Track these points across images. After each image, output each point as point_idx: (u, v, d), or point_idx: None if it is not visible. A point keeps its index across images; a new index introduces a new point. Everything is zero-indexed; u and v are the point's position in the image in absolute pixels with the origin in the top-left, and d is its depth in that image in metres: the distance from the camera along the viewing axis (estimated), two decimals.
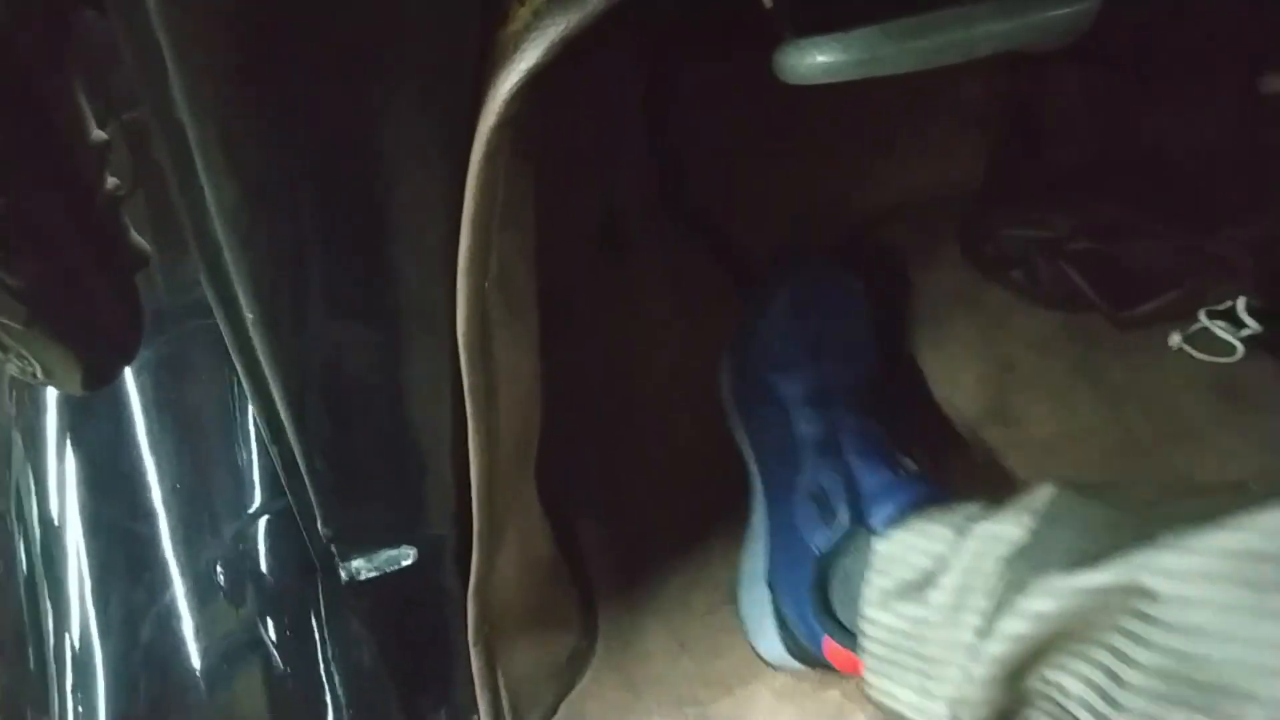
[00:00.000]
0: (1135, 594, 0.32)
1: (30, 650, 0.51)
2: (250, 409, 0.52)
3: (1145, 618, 0.31)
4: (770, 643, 0.53)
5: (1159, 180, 0.68)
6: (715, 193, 0.68)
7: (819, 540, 0.48)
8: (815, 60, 0.31)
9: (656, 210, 0.68)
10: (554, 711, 0.54)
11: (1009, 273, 0.70)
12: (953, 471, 0.62)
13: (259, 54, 0.24)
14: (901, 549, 0.43)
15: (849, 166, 0.68)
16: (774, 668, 0.56)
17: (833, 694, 0.56)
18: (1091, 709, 0.33)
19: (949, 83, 0.69)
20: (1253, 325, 0.65)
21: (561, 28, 0.24)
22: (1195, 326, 0.67)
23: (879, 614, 0.42)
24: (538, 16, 0.24)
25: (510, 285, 0.35)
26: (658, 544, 0.61)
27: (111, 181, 0.31)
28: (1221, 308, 0.67)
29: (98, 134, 0.30)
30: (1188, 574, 0.31)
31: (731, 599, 0.59)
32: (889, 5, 0.33)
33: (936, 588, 0.39)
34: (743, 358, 0.60)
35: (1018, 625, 0.35)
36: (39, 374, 0.38)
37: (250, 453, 0.52)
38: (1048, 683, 0.35)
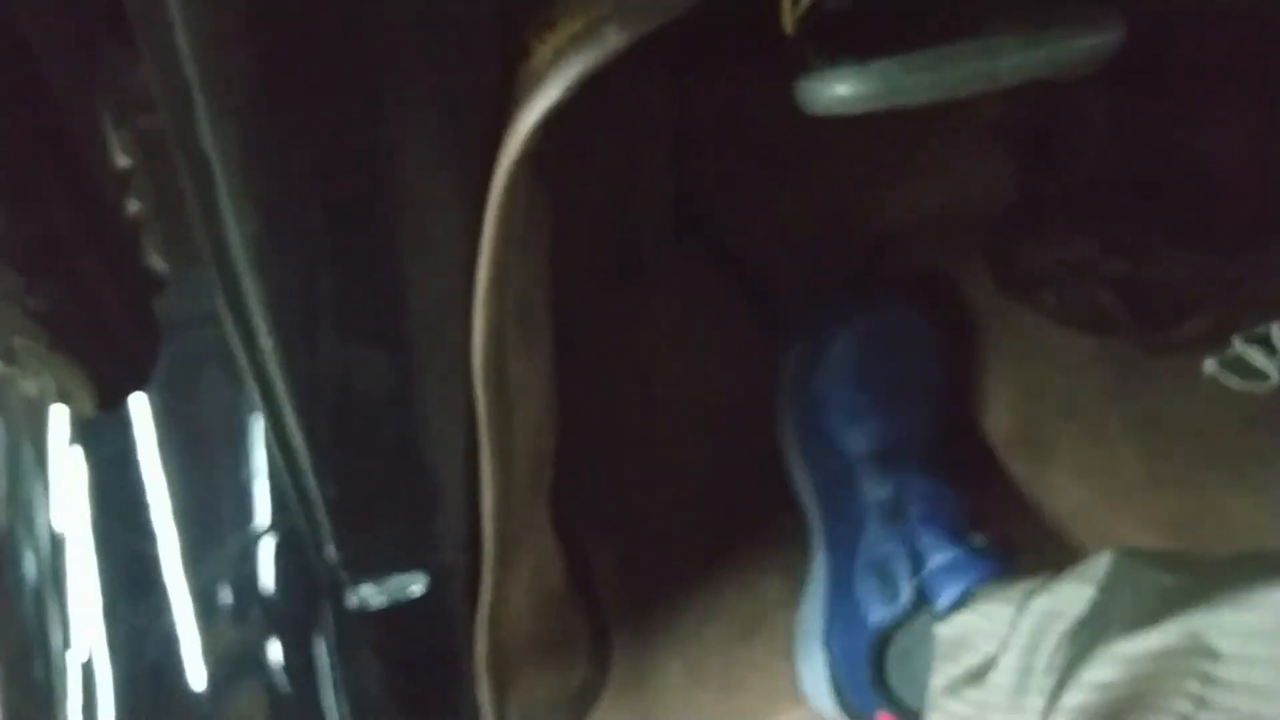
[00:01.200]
0: (1197, 654, 0.31)
1: (36, 665, 0.51)
2: (255, 429, 0.52)
3: (1207, 679, 0.31)
4: (823, 697, 0.53)
5: (1187, 201, 0.67)
6: (733, 215, 0.68)
7: (878, 615, 0.47)
8: (837, 92, 0.30)
9: (673, 233, 0.68)
10: None
11: (1038, 295, 0.68)
12: (985, 499, 0.60)
13: (284, 90, 0.24)
14: (965, 632, 0.42)
15: (871, 187, 0.68)
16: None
17: None
18: None
19: (972, 102, 0.68)
20: None
21: (582, 66, 0.24)
22: (1230, 352, 0.65)
23: (947, 701, 0.42)
24: (558, 54, 0.24)
25: (526, 310, 0.35)
26: (671, 574, 0.60)
27: (133, 205, 0.31)
28: (1257, 333, 0.65)
29: (121, 159, 0.30)
30: (1249, 632, 0.30)
31: (747, 635, 0.58)
32: (910, 32, 0.33)
33: (997, 668, 0.39)
34: (804, 401, 0.57)
35: (1080, 697, 0.34)
36: (54, 395, 0.38)
37: (254, 472, 0.52)
38: None
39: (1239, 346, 0.65)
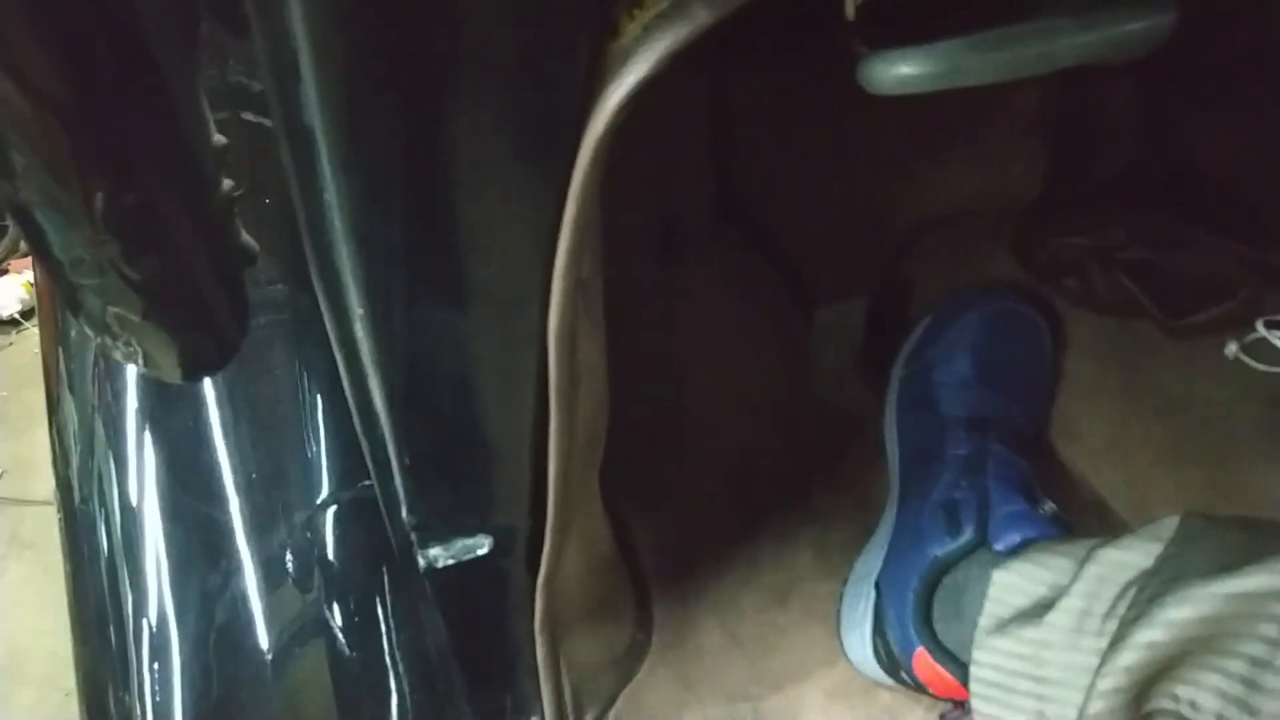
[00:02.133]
0: (1275, 599, 0.31)
1: (111, 631, 0.53)
2: (319, 401, 0.54)
3: None
4: (860, 644, 0.54)
5: (1210, 189, 0.68)
6: (771, 201, 0.69)
7: (938, 548, 0.49)
8: (901, 71, 0.32)
9: (713, 218, 0.69)
10: (612, 703, 0.55)
11: (1063, 280, 0.70)
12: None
13: (386, 63, 0.25)
14: (1019, 578, 0.43)
15: (903, 174, 0.69)
16: (855, 668, 0.57)
17: (883, 696, 0.56)
18: None
19: (1003, 91, 0.69)
20: None
21: (670, 41, 0.25)
22: (1252, 336, 0.67)
23: (995, 640, 0.42)
24: (647, 31, 0.25)
25: (591, 289, 0.37)
26: (709, 545, 0.62)
27: (227, 183, 0.33)
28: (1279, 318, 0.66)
29: (218, 138, 0.32)
30: None
31: (781, 602, 0.59)
32: (958, 20, 0.34)
33: (1056, 609, 0.39)
34: (916, 364, 0.61)
35: (1153, 634, 0.34)
36: (141, 361, 0.40)
37: (319, 443, 0.54)
38: (1178, 700, 0.35)
39: (1261, 330, 0.67)
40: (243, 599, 0.50)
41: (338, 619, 0.50)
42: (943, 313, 0.63)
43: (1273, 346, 0.66)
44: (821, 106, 0.62)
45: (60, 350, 0.57)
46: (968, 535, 0.47)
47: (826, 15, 0.35)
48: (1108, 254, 0.70)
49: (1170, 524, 0.39)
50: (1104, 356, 0.68)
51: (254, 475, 0.51)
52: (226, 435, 0.52)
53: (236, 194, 0.33)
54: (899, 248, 0.70)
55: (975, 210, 0.70)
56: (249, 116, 0.34)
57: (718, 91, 0.64)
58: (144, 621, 0.51)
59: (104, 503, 0.54)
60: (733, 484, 0.64)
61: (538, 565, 0.44)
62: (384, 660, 0.50)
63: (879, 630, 0.52)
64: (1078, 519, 0.50)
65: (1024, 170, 0.70)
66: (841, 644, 0.56)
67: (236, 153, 0.36)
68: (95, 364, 0.52)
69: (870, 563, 0.55)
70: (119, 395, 0.55)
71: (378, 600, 0.50)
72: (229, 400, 0.52)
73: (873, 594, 0.53)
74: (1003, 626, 0.42)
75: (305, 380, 0.51)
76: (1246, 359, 0.67)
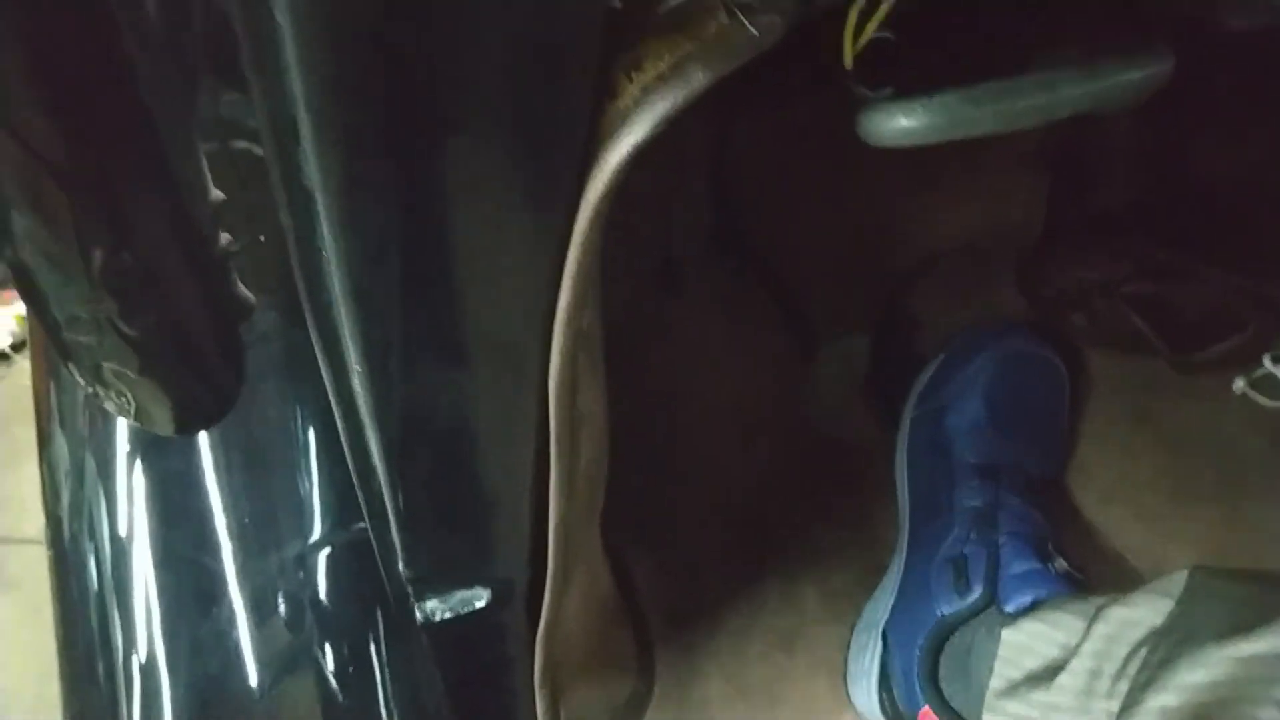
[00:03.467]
0: None
1: (101, 673, 0.52)
2: (314, 440, 0.53)
3: None
4: (865, 694, 0.53)
5: (1214, 223, 0.68)
6: (770, 236, 0.69)
7: (946, 606, 0.48)
8: (900, 124, 0.32)
9: (713, 250, 0.69)
10: None
11: (1069, 315, 0.69)
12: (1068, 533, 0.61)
13: (387, 129, 0.25)
14: (1029, 639, 0.43)
15: (904, 209, 0.69)
16: (859, 715, 0.55)
17: None
18: None
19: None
20: None
21: (668, 104, 0.25)
22: (1260, 371, 0.66)
23: (1005, 703, 0.42)
24: (646, 93, 0.25)
25: (591, 338, 0.36)
26: (712, 588, 0.61)
27: (224, 238, 0.33)
28: None
29: (216, 193, 0.31)
30: None
31: (786, 648, 0.58)
32: (958, 68, 0.34)
33: (1066, 671, 0.39)
34: (929, 406, 0.60)
35: (1166, 699, 0.34)
36: (133, 414, 0.39)
37: (314, 484, 0.53)
38: None
39: (1269, 365, 0.66)
40: (234, 643, 0.49)
41: (331, 666, 0.49)
42: (956, 351, 0.62)
43: (1279, 381, 0.66)
44: (821, 140, 0.62)
45: (52, 385, 0.56)
46: (976, 594, 0.47)
47: (826, 58, 0.35)
48: (1113, 288, 0.69)
49: (1179, 579, 0.38)
50: (1112, 392, 0.68)
51: (247, 516, 0.50)
52: (219, 474, 0.51)
53: (234, 249, 0.33)
54: (901, 282, 0.70)
55: (978, 245, 0.70)
56: (242, 146, 0.34)
57: (719, 125, 0.64)
58: (134, 663, 0.51)
59: (95, 541, 0.53)
60: (735, 524, 0.63)
61: (537, 616, 0.43)
62: (378, 709, 0.49)
63: (884, 684, 0.51)
64: (1090, 566, 0.49)
65: (1025, 204, 0.69)
66: (847, 692, 0.55)
67: (231, 191, 0.35)
68: (87, 400, 0.51)
69: (878, 610, 0.54)
70: (111, 432, 0.54)
71: (372, 647, 0.49)
72: (222, 439, 0.51)
73: (879, 644, 0.52)
74: (1013, 688, 0.41)
75: (299, 418, 0.51)
76: (1254, 394, 0.66)
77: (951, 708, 0.45)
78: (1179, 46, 0.35)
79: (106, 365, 0.35)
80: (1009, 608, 0.45)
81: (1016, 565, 0.47)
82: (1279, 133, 0.64)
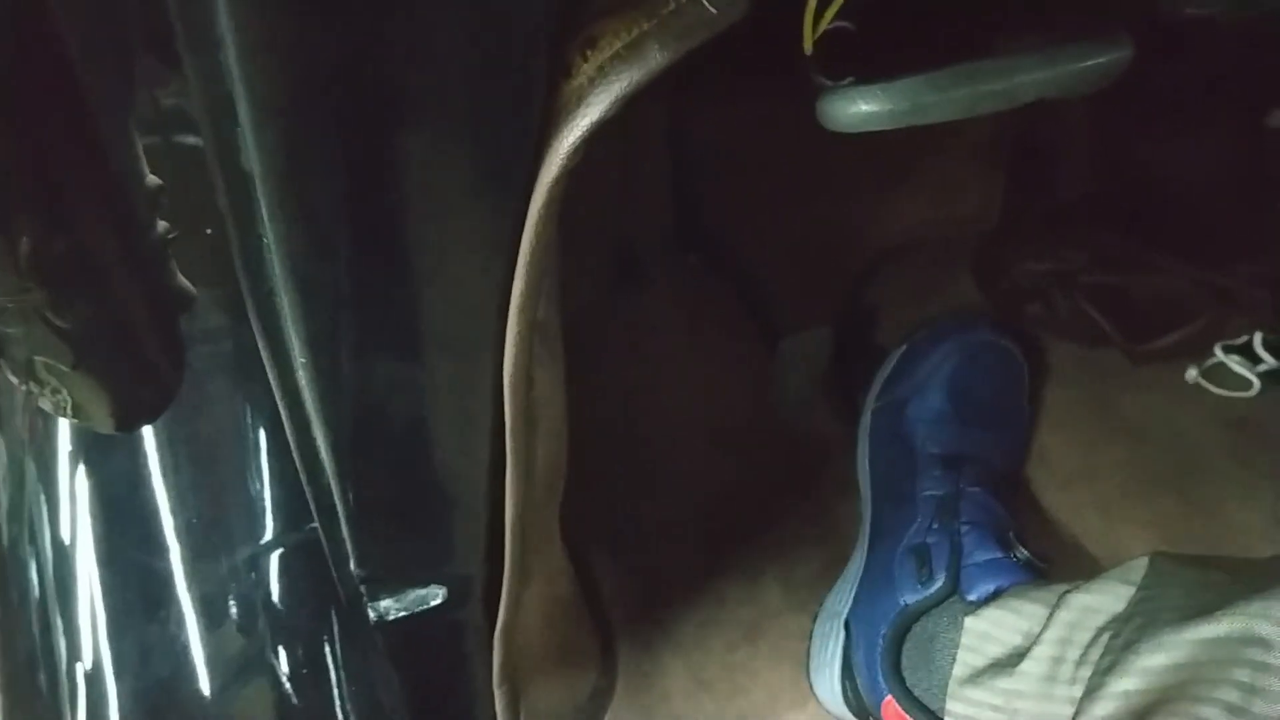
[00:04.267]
0: (1249, 643, 0.31)
1: (43, 680, 0.50)
2: (260, 441, 0.52)
3: (1260, 666, 0.31)
4: (828, 684, 0.53)
5: (1168, 214, 0.69)
6: (731, 227, 0.69)
7: (909, 595, 0.48)
8: (860, 109, 0.31)
9: (673, 245, 0.69)
10: None
11: (1025, 307, 0.70)
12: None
13: (326, 107, 0.24)
14: (992, 626, 0.43)
15: (863, 201, 0.69)
16: (821, 706, 0.55)
17: None
18: None
19: (961, 122, 0.70)
20: (1269, 360, 0.65)
21: (625, 83, 0.24)
22: (1211, 361, 0.67)
23: (969, 690, 0.42)
24: (602, 72, 0.24)
25: (546, 325, 0.35)
26: (673, 582, 0.61)
27: (161, 225, 0.31)
28: (1238, 342, 0.67)
29: (152, 179, 0.30)
30: None
31: (749, 641, 0.58)
32: (919, 56, 0.34)
33: (1029, 658, 0.39)
34: (889, 398, 0.60)
35: (1129, 683, 0.34)
36: (70, 411, 0.37)
37: (263, 482, 0.52)
38: None
39: (1221, 355, 0.67)
40: (184, 648, 0.48)
41: (285, 668, 0.48)
42: (918, 343, 0.62)
43: (1231, 371, 0.67)
44: (781, 134, 0.61)
45: None
46: (939, 584, 0.47)
47: (785, 49, 0.35)
48: (1069, 279, 0.70)
49: (1140, 565, 0.38)
50: (1069, 383, 0.68)
51: (195, 517, 0.49)
52: (166, 475, 0.49)
53: (171, 236, 0.32)
54: (861, 275, 0.70)
55: (936, 237, 0.70)
56: (185, 140, 0.33)
57: (677, 118, 0.64)
58: (78, 671, 0.49)
59: (36, 545, 0.51)
60: (697, 518, 0.63)
61: (495, 613, 0.42)
62: (334, 711, 0.48)
63: (848, 673, 0.51)
64: (1050, 553, 0.50)
65: (980, 196, 0.70)
66: (810, 683, 0.55)
67: (171, 180, 0.34)
68: (27, 401, 0.49)
69: (840, 600, 0.54)
70: (52, 433, 0.52)
71: (327, 648, 0.48)
72: (168, 437, 0.50)
73: (842, 634, 0.52)
74: (976, 676, 0.41)
75: (248, 416, 0.49)
76: (1206, 384, 0.67)
77: (914, 697, 0.45)
78: (1135, 37, 0.35)
79: (39, 359, 0.33)
80: (971, 597, 0.45)
81: (979, 554, 0.47)
82: (1232, 124, 0.65)
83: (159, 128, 0.35)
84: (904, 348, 0.63)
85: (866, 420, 0.61)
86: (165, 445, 0.50)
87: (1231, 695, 0.31)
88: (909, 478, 0.54)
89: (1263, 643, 0.31)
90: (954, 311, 0.66)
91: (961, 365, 0.59)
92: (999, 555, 0.47)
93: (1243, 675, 0.31)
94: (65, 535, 0.51)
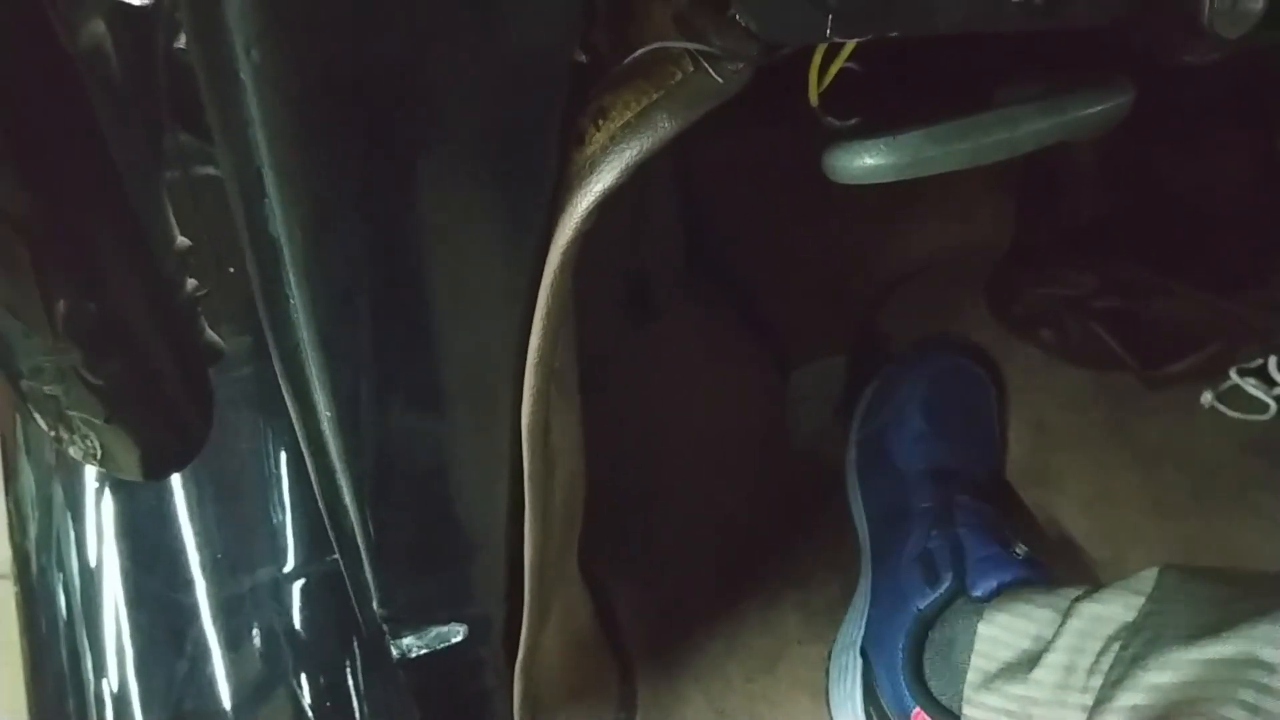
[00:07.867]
0: (1252, 666, 0.32)
1: (71, 707, 0.51)
2: (285, 471, 0.53)
3: (1261, 688, 0.32)
4: (851, 716, 0.53)
5: (1180, 238, 0.69)
6: (742, 259, 0.70)
7: (920, 600, 0.49)
8: (864, 162, 0.32)
9: (685, 275, 0.69)
10: None
11: (1038, 332, 0.70)
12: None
13: (352, 179, 0.25)
14: (1002, 631, 0.43)
15: (873, 229, 0.70)
16: None
17: None
18: None
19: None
20: None
21: (635, 151, 0.25)
22: (1227, 384, 0.67)
23: (983, 696, 0.43)
24: (613, 141, 0.25)
25: (564, 373, 0.36)
26: (692, 612, 0.61)
27: (191, 283, 0.32)
28: (1253, 365, 0.67)
29: (181, 240, 0.31)
30: None
31: (768, 670, 0.59)
32: (925, 100, 0.35)
33: (1041, 666, 0.40)
34: (870, 429, 0.62)
35: (1136, 698, 0.35)
36: (99, 459, 0.39)
37: (285, 514, 0.53)
38: None
39: (1236, 379, 0.67)
40: (209, 677, 0.49)
41: (308, 698, 0.49)
42: (889, 375, 0.65)
43: (1246, 394, 0.67)
44: (791, 165, 0.62)
45: (17, 416, 0.55)
46: (947, 582, 0.48)
47: (792, 84, 0.35)
48: (1081, 303, 0.70)
49: (1149, 577, 0.39)
50: (1084, 407, 0.68)
51: (219, 548, 0.50)
52: (190, 507, 0.50)
53: (200, 294, 0.33)
54: (873, 303, 0.70)
55: (948, 263, 0.71)
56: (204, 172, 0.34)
57: (685, 150, 0.65)
58: (106, 699, 0.50)
59: (64, 574, 0.52)
60: (714, 547, 0.63)
61: (515, 649, 0.43)
62: None
63: (870, 698, 0.51)
64: (1053, 561, 0.51)
65: (992, 222, 0.70)
66: (831, 718, 0.56)
67: (196, 231, 0.35)
68: None
69: (851, 631, 0.55)
70: (79, 465, 0.53)
71: (349, 678, 0.49)
72: (193, 471, 0.51)
73: (859, 662, 0.52)
74: (989, 681, 0.42)
75: (271, 449, 0.50)
76: (1222, 407, 0.67)
77: (941, 705, 0.45)
78: (1142, 64, 0.36)
79: (71, 413, 0.34)
80: (977, 593, 0.46)
81: (980, 551, 0.49)
82: (1244, 148, 0.65)
83: (188, 187, 0.36)
84: (876, 383, 0.65)
85: (852, 454, 0.63)
86: (189, 477, 0.51)
87: (1236, 715, 0.32)
88: (901, 496, 0.55)
89: (1267, 666, 0.32)
90: (916, 341, 0.69)
91: (932, 387, 0.62)
92: (999, 550, 0.48)
93: (1247, 696, 0.32)
94: (92, 565, 0.52)
